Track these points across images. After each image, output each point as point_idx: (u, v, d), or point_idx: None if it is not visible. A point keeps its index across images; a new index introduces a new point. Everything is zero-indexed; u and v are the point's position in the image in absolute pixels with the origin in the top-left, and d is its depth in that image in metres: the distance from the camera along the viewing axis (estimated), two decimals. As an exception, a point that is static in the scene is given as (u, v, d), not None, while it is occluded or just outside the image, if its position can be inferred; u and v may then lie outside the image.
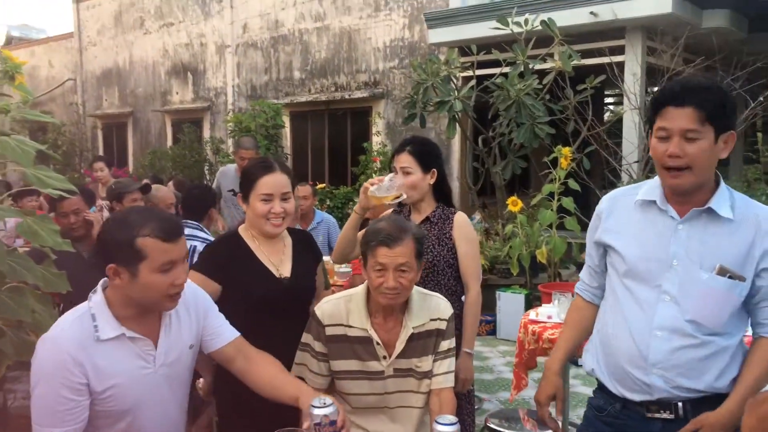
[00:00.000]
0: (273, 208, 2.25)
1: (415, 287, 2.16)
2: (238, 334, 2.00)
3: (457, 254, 2.67)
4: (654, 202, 1.79)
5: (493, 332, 6.42)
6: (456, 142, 9.70)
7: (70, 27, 15.28)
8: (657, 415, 1.79)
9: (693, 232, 1.74)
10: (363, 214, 2.65)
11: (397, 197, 2.53)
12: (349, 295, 2.15)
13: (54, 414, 1.65)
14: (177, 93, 13.30)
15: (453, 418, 1.74)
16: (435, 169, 2.70)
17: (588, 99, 7.36)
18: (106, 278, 1.78)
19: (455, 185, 9.70)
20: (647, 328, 1.77)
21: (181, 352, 1.87)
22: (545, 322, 3.34)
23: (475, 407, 4.37)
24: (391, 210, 2.85)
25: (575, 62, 7.12)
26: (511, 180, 8.09)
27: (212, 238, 3.33)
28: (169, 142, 13.05)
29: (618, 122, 8.45)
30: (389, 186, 2.49)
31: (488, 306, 6.23)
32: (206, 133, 12.39)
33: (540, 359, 3.56)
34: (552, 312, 3.40)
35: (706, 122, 1.63)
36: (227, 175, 5.64)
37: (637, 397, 1.81)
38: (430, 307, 2.13)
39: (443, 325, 2.12)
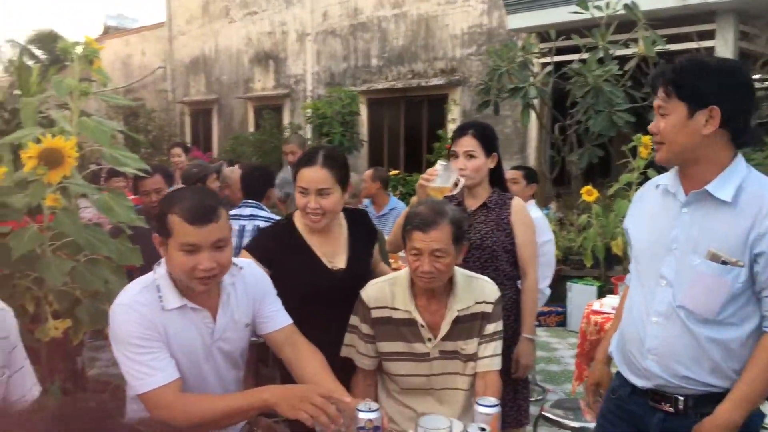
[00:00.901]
0: (309, 202, 2.21)
1: (462, 270, 2.16)
2: (290, 321, 2.03)
3: (514, 240, 2.65)
4: (667, 186, 1.79)
5: (562, 324, 6.31)
6: (533, 130, 9.52)
7: (162, 17, 15.96)
8: (658, 406, 1.76)
9: (696, 216, 1.70)
10: None
11: (456, 184, 2.44)
12: (393, 278, 2.18)
13: (150, 364, 1.74)
14: (259, 80, 13.65)
15: (494, 400, 1.75)
16: (496, 154, 2.68)
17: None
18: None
19: (531, 174, 9.52)
20: (645, 312, 1.76)
21: (236, 330, 1.95)
22: (609, 314, 3.26)
23: (539, 398, 4.36)
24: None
25: (660, 48, 6.83)
26: (589, 169, 7.88)
27: (275, 216, 3.43)
28: (251, 128, 13.43)
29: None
30: (445, 175, 2.40)
31: (559, 297, 6.12)
32: (285, 120, 12.67)
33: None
34: (617, 303, 3.31)
35: (673, 97, 1.66)
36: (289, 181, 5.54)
37: (639, 383, 1.79)
38: (476, 290, 2.13)
39: (489, 308, 2.12)
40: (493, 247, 2.62)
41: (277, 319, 2.03)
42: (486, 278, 2.21)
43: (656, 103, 1.72)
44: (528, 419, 2.73)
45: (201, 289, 1.82)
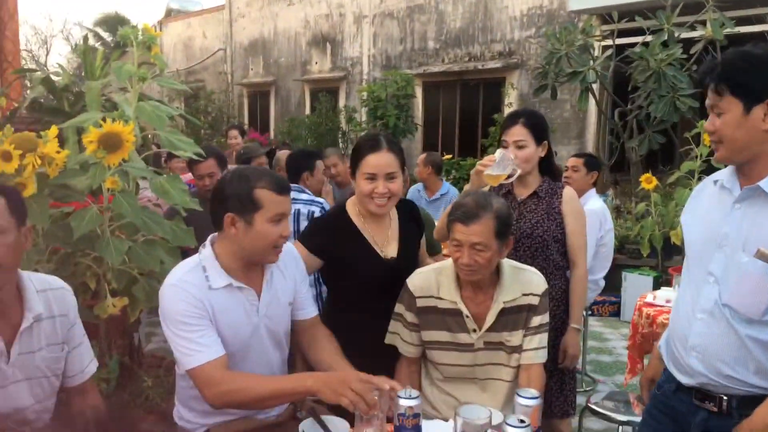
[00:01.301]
0: (377, 188, 2.22)
1: (510, 261, 2.14)
2: (316, 312, 2.16)
3: (564, 229, 2.61)
4: (723, 181, 1.73)
5: (616, 314, 6.18)
6: (592, 115, 9.30)
7: (222, 0, 16.20)
8: (701, 405, 1.71)
9: (748, 212, 1.63)
10: None
11: (512, 174, 2.45)
12: (439, 268, 2.17)
13: (200, 341, 1.79)
14: (316, 63, 13.74)
15: (535, 392, 1.74)
16: (546, 142, 2.64)
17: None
18: (213, 234, 1.95)
19: (588, 160, 9.31)
20: (691, 309, 1.72)
21: (279, 307, 2.01)
22: (662, 306, 3.18)
23: (589, 388, 4.31)
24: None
25: (728, 30, 6.55)
26: (649, 156, 7.66)
27: (317, 199, 3.45)
28: (307, 111, 13.56)
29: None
30: (502, 163, 2.41)
31: (613, 287, 5.99)
32: (341, 102, 12.74)
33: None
34: (671, 296, 3.22)
35: (726, 94, 1.60)
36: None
37: (684, 380, 1.75)
38: (523, 282, 2.10)
39: (535, 301, 2.09)
40: (544, 236, 2.59)
41: (307, 308, 2.13)
42: (534, 270, 2.18)
43: (708, 101, 1.66)
44: (574, 410, 2.70)
45: (274, 259, 1.94)
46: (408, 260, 2.34)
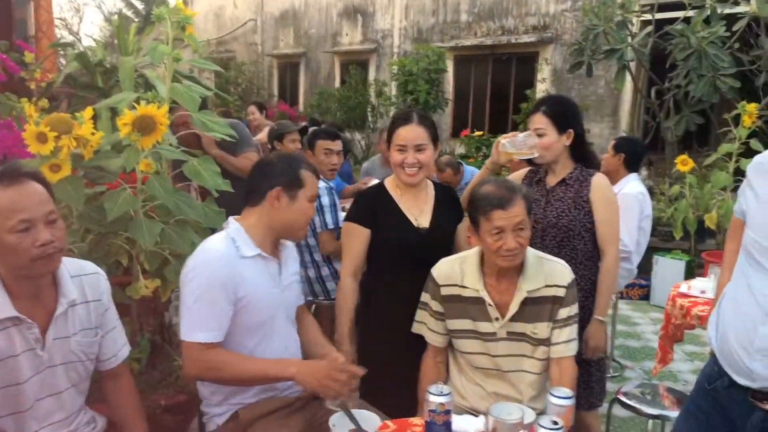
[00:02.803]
0: (407, 158, 2.40)
1: (533, 251, 2.12)
2: (303, 300, 2.30)
3: (593, 218, 2.55)
4: None
5: (646, 297, 6.10)
6: (627, 92, 9.09)
7: (253, -31, 16.07)
8: (759, 404, 1.63)
9: None
10: (494, 169, 2.67)
11: (528, 155, 2.58)
12: (464, 257, 2.17)
13: (208, 320, 1.87)
14: (347, 34, 13.61)
15: (568, 392, 1.71)
16: (572, 130, 2.58)
17: (786, 49, 6.52)
18: (232, 216, 2.09)
19: (622, 138, 9.13)
20: (759, 310, 1.60)
21: (294, 282, 2.17)
22: (696, 297, 3.12)
23: (616, 374, 4.27)
24: (527, 169, 2.78)
25: (774, 6, 6.31)
26: (686, 137, 7.47)
27: (327, 184, 3.44)
28: (337, 83, 13.48)
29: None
30: (523, 143, 2.53)
31: (644, 269, 5.89)
32: (371, 76, 12.63)
33: (688, 332, 3.35)
34: (707, 287, 3.16)
35: None
36: (374, 169, 5.11)
37: (741, 381, 1.66)
38: (546, 272, 2.08)
39: (561, 292, 2.06)
40: (569, 225, 2.53)
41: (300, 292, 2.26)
42: (560, 261, 2.15)
43: None
44: (601, 402, 2.66)
45: (302, 236, 2.12)
46: (440, 231, 2.48)
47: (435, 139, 2.46)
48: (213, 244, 1.96)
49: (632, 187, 3.90)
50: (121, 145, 2.45)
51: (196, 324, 1.87)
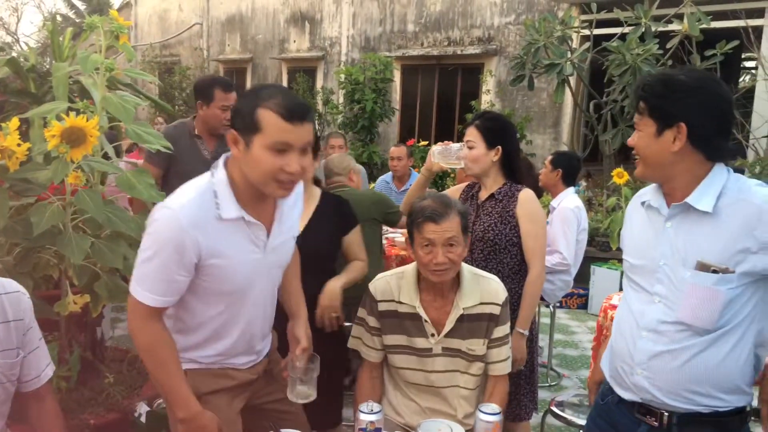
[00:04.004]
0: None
1: (469, 267, 2.16)
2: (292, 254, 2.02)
3: (520, 233, 2.61)
4: (650, 201, 1.78)
5: (584, 306, 6.27)
6: (568, 106, 9.34)
7: (199, -28, 15.84)
8: (643, 419, 1.75)
9: (680, 230, 1.68)
10: (428, 176, 2.84)
11: (456, 165, 2.77)
12: (401, 272, 2.20)
13: (156, 283, 1.66)
14: (294, 41, 13.56)
15: (496, 408, 1.75)
16: (500, 147, 2.65)
17: (716, 66, 6.80)
18: (228, 153, 1.76)
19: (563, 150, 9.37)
20: (636, 327, 1.74)
21: (286, 242, 1.90)
22: (627, 309, 3.21)
23: (553, 383, 4.36)
24: (466, 184, 2.85)
25: (704, 26, 6.59)
26: (623, 150, 7.71)
27: None
28: (284, 90, 13.37)
29: (749, 93, 7.78)
30: (453, 154, 2.71)
31: (582, 279, 6.05)
32: (319, 83, 12.60)
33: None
34: (637, 298, 3.26)
35: (645, 113, 1.67)
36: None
37: (626, 396, 1.78)
38: (482, 290, 2.12)
39: (496, 310, 2.11)
40: (496, 240, 2.59)
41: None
42: (494, 278, 2.20)
43: (635, 119, 1.73)
44: (530, 414, 2.71)
45: (280, 195, 1.71)
46: (309, 241, 2.29)
47: (317, 147, 2.47)
48: (186, 199, 1.67)
49: (570, 201, 4.03)
50: (51, 157, 2.38)
51: (144, 282, 1.66)
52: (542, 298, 3.86)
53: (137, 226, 2.55)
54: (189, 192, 1.70)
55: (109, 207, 2.43)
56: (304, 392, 1.80)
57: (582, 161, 8.23)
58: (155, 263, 1.65)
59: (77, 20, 19.46)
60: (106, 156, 2.60)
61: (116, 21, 2.56)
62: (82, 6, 20.85)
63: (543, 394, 3.02)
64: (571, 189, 4.18)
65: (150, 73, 14.99)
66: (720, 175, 1.66)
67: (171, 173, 3.39)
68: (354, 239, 2.59)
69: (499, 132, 2.68)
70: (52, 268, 2.54)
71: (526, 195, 2.64)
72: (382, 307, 2.15)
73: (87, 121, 2.21)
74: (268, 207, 1.80)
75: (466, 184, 2.86)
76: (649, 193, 1.80)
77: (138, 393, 2.64)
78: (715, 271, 1.60)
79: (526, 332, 2.60)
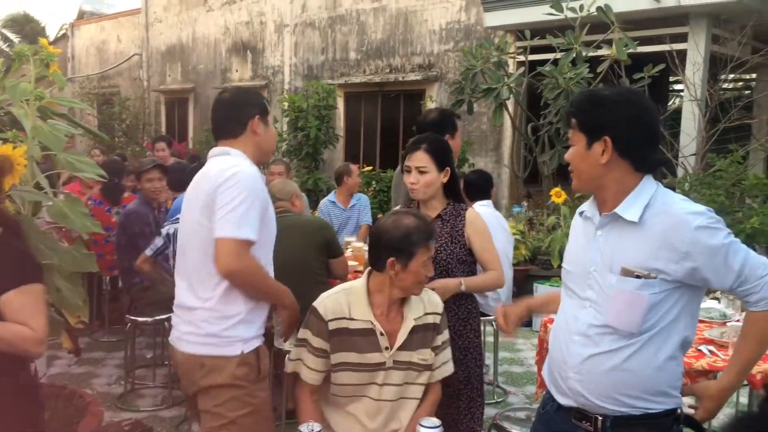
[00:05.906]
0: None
1: None
2: None
3: (470, 251, 2.68)
4: (585, 211, 1.89)
5: (528, 324, 6.36)
6: (508, 129, 9.57)
7: (138, 3, 15.69)
8: (579, 424, 1.82)
9: (608, 237, 1.78)
10: None
11: None
12: (348, 289, 2.21)
13: (248, 221, 2.07)
14: (236, 71, 13.54)
15: (436, 421, 1.78)
16: (449, 168, 2.71)
17: (645, 89, 7.11)
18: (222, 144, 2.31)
19: (504, 172, 9.59)
20: (569, 332, 1.82)
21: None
22: (565, 322, 3.30)
23: (500, 400, 4.41)
24: (402, 206, 2.89)
25: (631, 50, 6.90)
26: (561, 170, 7.95)
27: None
28: (227, 119, 13.30)
29: (677, 113, 8.15)
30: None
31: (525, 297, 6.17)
32: (262, 112, 12.57)
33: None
34: (575, 311, 3.35)
35: (576, 128, 1.79)
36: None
37: (563, 401, 1.85)
38: (425, 300, 2.22)
39: (438, 319, 2.21)
40: (447, 259, 2.64)
41: None
42: (430, 290, 2.30)
43: (569, 133, 1.85)
44: (481, 426, 2.76)
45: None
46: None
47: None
48: (241, 161, 2.19)
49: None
50: (-22, 187, 2.32)
51: (243, 222, 2.05)
52: (485, 314, 3.93)
53: (73, 257, 2.51)
54: (236, 158, 2.21)
55: (41, 237, 2.38)
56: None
57: (524, 181, 8.48)
58: (247, 205, 2.08)
59: (11, 53, 18.99)
60: (38, 186, 2.55)
61: (46, 49, 2.54)
62: (16, 39, 20.34)
63: (489, 411, 3.06)
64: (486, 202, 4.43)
65: (88, 104, 14.71)
66: (649, 187, 1.76)
67: None
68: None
69: (447, 153, 2.74)
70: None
71: (471, 214, 2.71)
72: (332, 326, 2.14)
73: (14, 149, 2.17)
74: None
75: (401, 207, 2.90)
76: (586, 204, 1.91)
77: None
78: (638, 276, 1.69)
79: (463, 288, 2.60)
